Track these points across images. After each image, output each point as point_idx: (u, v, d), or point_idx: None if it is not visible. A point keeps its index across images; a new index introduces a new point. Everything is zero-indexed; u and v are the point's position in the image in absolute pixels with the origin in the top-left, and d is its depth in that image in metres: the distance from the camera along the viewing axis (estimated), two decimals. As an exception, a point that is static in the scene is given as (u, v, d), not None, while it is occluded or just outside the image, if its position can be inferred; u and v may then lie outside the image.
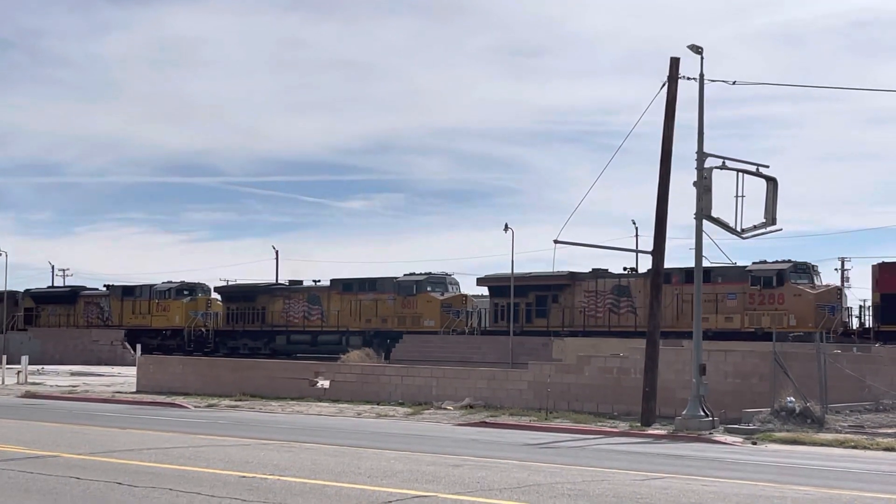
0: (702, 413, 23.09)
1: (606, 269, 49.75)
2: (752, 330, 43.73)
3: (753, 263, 45.63)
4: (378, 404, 29.51)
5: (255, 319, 60.41)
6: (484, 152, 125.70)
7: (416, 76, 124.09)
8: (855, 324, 44.92)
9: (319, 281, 60.28)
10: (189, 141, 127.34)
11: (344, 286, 57.06)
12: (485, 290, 54.00)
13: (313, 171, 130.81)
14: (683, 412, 23.28)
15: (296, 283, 61.68)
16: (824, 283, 45.26)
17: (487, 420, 25.08)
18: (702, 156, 23.78)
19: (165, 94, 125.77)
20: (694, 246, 24.11)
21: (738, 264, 41.28)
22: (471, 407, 28.02)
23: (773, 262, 44.39)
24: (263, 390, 32.62)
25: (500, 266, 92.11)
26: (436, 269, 59.61)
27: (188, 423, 23.72)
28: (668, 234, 24.53)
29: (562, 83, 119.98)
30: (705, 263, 24.79)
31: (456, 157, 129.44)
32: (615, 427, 23.55)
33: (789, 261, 44.90)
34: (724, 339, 40.40)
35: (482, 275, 52.85)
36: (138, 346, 54.78)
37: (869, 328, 43.25)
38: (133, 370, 39.58)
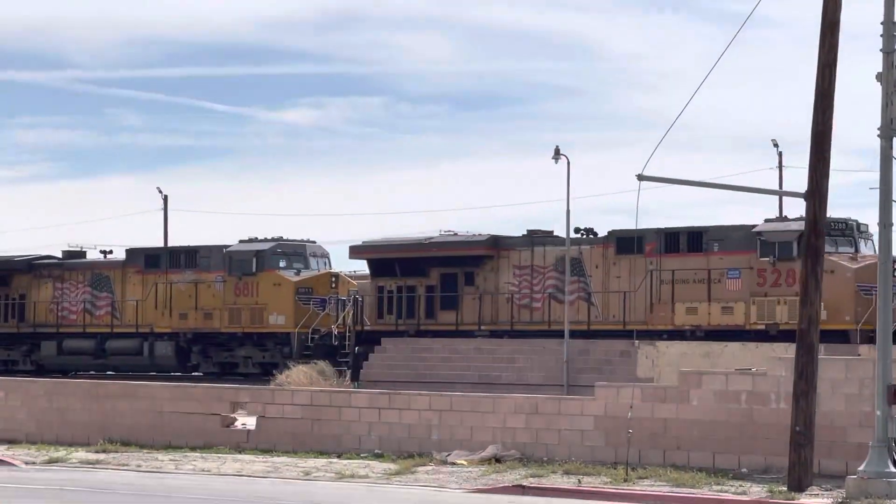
0: (892, 468, 23.64)
1: (551, 232, 51.92)
2: (763, 327, 44.75)
3: (766, 221, 46.50)
4: (339, 457, 30.22)
5: (8, 315, 61.92)
6: (517, 26, 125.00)
7: None
8: None
9: (111, 253, 61.84)
10: (17, 10, 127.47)
11: (147, 261, 58.94)
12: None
13: (227, 59, 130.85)
14: (860, 467, 23.82)
15: (75, 257, 63.23)
16: (876, 254, 45.74)
17: (526, 483, 25.64)
18: (891, 29, 24.10)
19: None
20: (878, 184, 24.49)
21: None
22: (497, 461, 28.58)
23: (795, 220, 44.55)
24: (144, 434, 33.57)
25: (541, 220, 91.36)
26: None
27: (16, 492, 24.17)
28: (832, 165, 24.86)
29: None
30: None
31: (470, 35, 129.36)
32: (743, 494, 24.11)
33: None
34: (721, 339, 42.31)
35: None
36: None
37: None
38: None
